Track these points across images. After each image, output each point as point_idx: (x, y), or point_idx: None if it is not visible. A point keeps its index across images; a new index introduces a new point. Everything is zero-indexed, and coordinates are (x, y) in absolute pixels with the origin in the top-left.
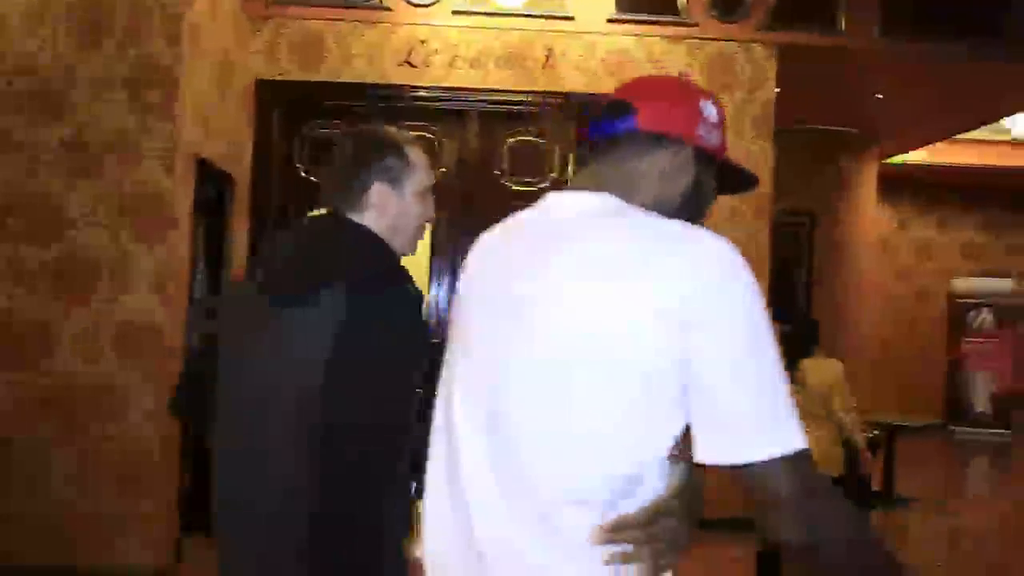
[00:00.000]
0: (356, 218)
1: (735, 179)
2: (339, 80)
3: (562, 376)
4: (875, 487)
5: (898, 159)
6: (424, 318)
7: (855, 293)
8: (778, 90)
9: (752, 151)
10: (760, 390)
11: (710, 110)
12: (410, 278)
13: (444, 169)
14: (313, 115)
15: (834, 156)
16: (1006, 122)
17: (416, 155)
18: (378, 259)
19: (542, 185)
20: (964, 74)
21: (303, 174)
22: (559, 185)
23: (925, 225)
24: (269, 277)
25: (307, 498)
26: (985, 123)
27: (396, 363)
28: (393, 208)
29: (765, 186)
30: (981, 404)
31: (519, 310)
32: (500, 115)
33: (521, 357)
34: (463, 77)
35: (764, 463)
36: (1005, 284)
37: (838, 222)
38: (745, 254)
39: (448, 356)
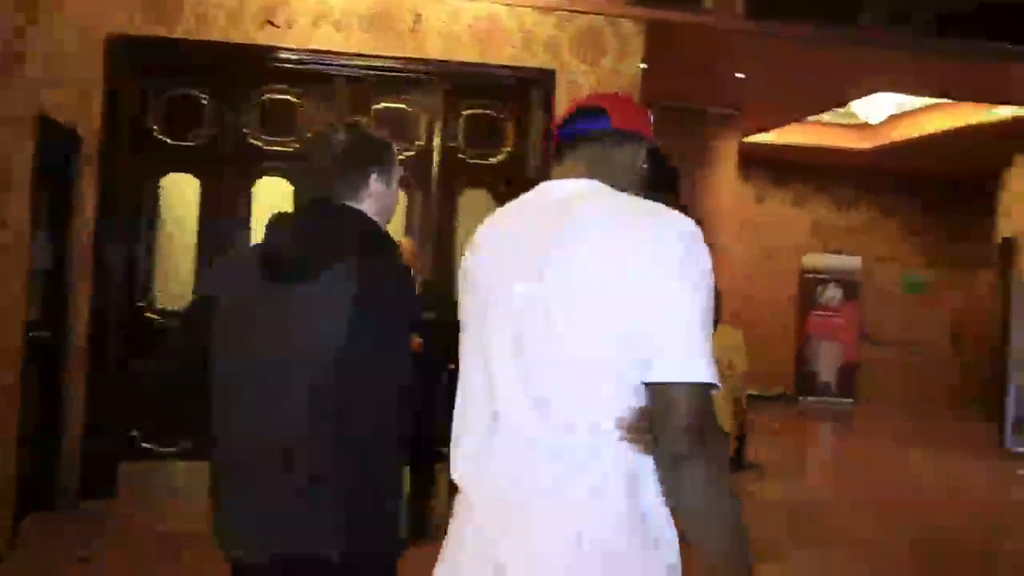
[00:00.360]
0: (355, 205)
1: (658, 172)
2: (197, 38)
3: (568, 310)
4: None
5: (755, 138)
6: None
7: (715, 268)
8: (644, 66)
9: None
10: (689, 329)
11: (650, 117)
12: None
13: (310, 135)
14: (169, 74)
15: (697, 133)
16: (854, 107)
17: (395, 151)
18: (380, 239)
19: (409, 153)
20: (821, 57)
21: (156, 135)
22: (426, 155)
23: (780, 202)
24: (281, 255)
25: (331, 432)
26: (839, 105)
27: (400, 321)
28: (384, 197)
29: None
30: (827, 375)
31: (535, 265)
32: (367, 80)
33: (537, 295)
34: (327, 39)
35: (678, 384)
36: (853, 261)
37: (700, 198)
38: None
39: (471, 306)
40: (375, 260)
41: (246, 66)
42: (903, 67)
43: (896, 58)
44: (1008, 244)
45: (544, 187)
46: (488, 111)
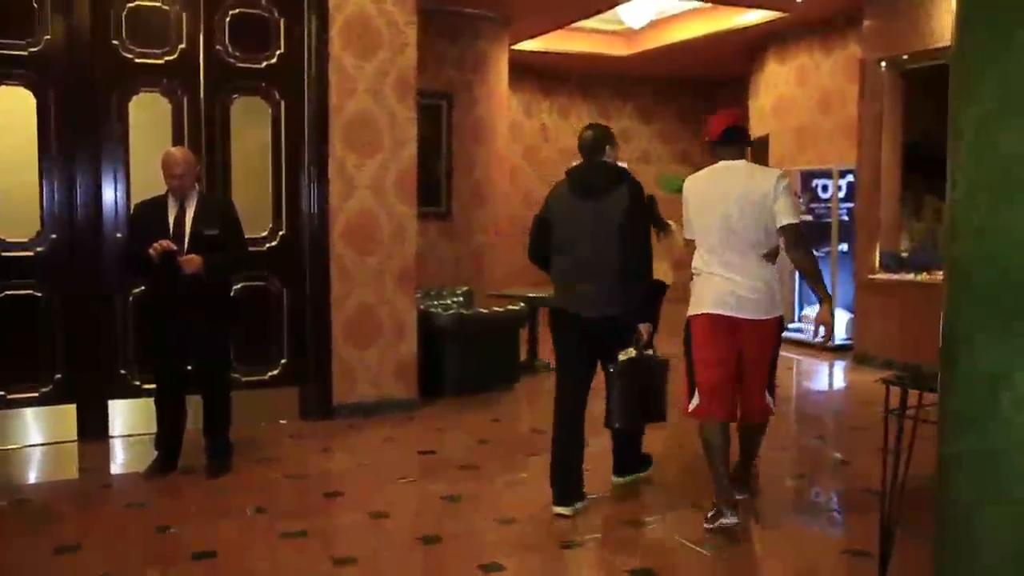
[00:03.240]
0: (602, 159)
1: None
2: None
3: (747, 210)
4: (522, 358)
5: (523, 46)
6: None
7: (494, 174)
8: None
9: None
10: (786, 208)
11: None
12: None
13: (49, 37)
14: None
15: (467, 39)
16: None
17: (612, 134)
18: (627, 174)
19: (169, 58)
20: None
21: None
22: (190, 59)
23: (548, 112)
24: (582, 186)
25: (620, 264)
26: (610, 7)
27: (644, 212)
28: (612, 155)
29: (410, 64)
30: None
31: (724, 200)
32: None
33: (721, 212)
34: None
35: (787, 226)
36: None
37: (475, 104)
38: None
39: (691, 212)
40: (630, 185)
41: None
42: None
43: None
44: (761, 145)
45: (725, 164)
46: (255, 10)
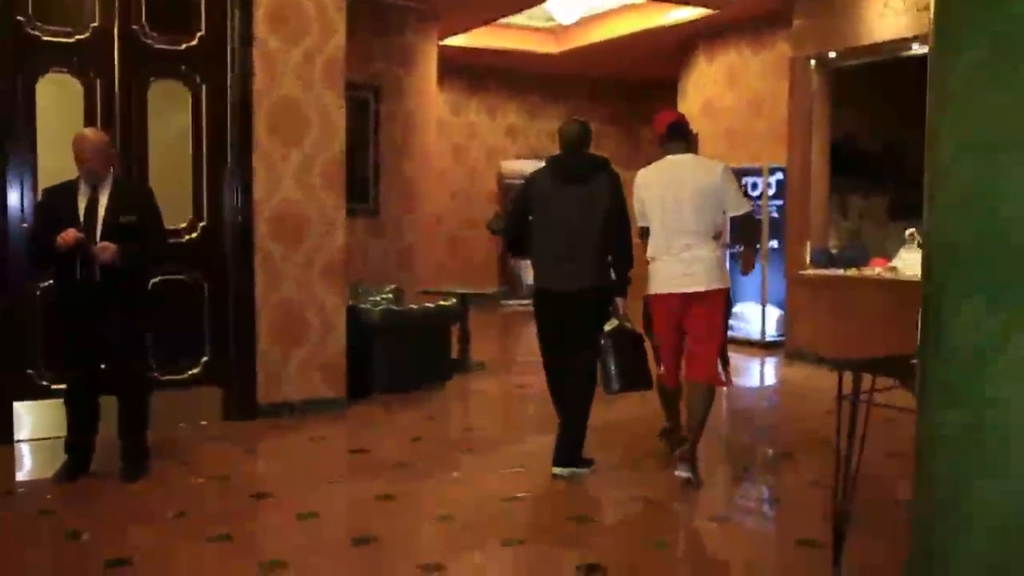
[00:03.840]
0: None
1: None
2: None
3: (697, 199)
4: (453, 355)
5: (451, 41)
6: None
7: (423, 170)
8: None
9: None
10: (737, 196)
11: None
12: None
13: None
14: None
15: (397, 30)
16: (549, 7)
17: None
18: (607, 163)
19: (81, 36)
20: None
21: None
22: (104, 38)
23: (476, 111)
24: (565, 172)
25: (598, 244)
26: (529, 6)
27: (622, 199)
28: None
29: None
30: (530, 277)
31: (676, 189)
32: None
33: (674, 200)
34: None
35: (740, 215)
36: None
37: (404, 98)
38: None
39: (646, 203)
40: (610, 173)
41: None
42: None
43: None
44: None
45: (672, 158)
46: None
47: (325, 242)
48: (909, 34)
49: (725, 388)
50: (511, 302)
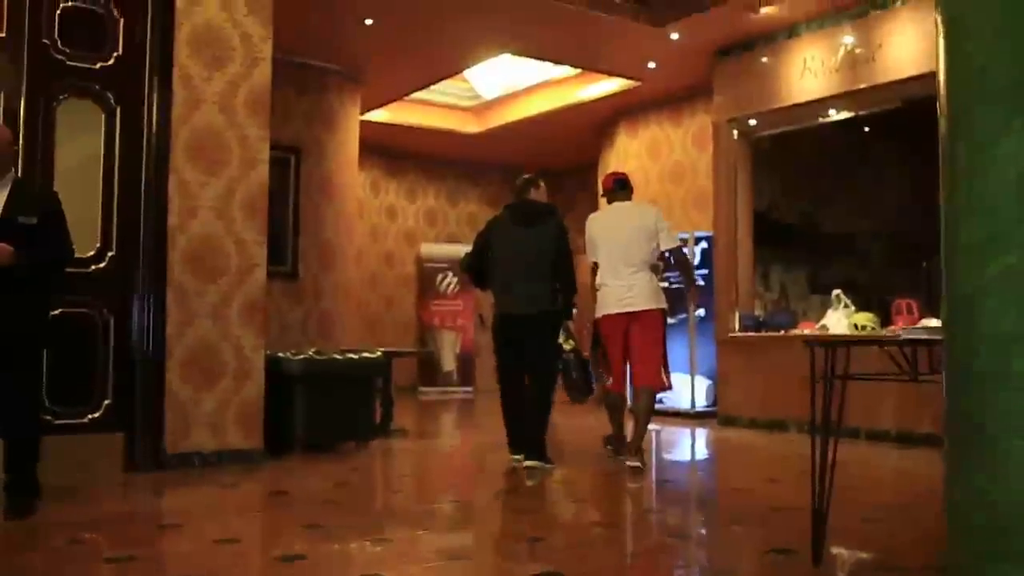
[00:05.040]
0: (532, 199)
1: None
2: None
3: (638, 236)
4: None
5: (371, 116)
6: None
7: (343, 234)
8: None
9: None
10: (669, 233)
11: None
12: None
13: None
14: None
15: (318, 92)
16: (472, 79)
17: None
18: (554, 209)
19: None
20: (440, 15)
21: None
22: (12, 49)
23: (396, 194)
24: (521, 216)
25: (548, 275)
26: (453, 73)
27: (567, 241)
28: (540, 195)
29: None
30: (448, 363)
31: (620, 229)
32: None
33: (618, 238)
34: None
35: (672, 249)
36: (466, 250)
37: (324, 160)
38: (246, 192)
39: (596, 241)
40: (557, 218)
41: None
42: (518, 29)
43: (510, 20)
44: None
45: (618, 205)
46: (91, 6)
47: (245, 278)
48: (828, 94)
49: (667, 391)
50: (428, 389)
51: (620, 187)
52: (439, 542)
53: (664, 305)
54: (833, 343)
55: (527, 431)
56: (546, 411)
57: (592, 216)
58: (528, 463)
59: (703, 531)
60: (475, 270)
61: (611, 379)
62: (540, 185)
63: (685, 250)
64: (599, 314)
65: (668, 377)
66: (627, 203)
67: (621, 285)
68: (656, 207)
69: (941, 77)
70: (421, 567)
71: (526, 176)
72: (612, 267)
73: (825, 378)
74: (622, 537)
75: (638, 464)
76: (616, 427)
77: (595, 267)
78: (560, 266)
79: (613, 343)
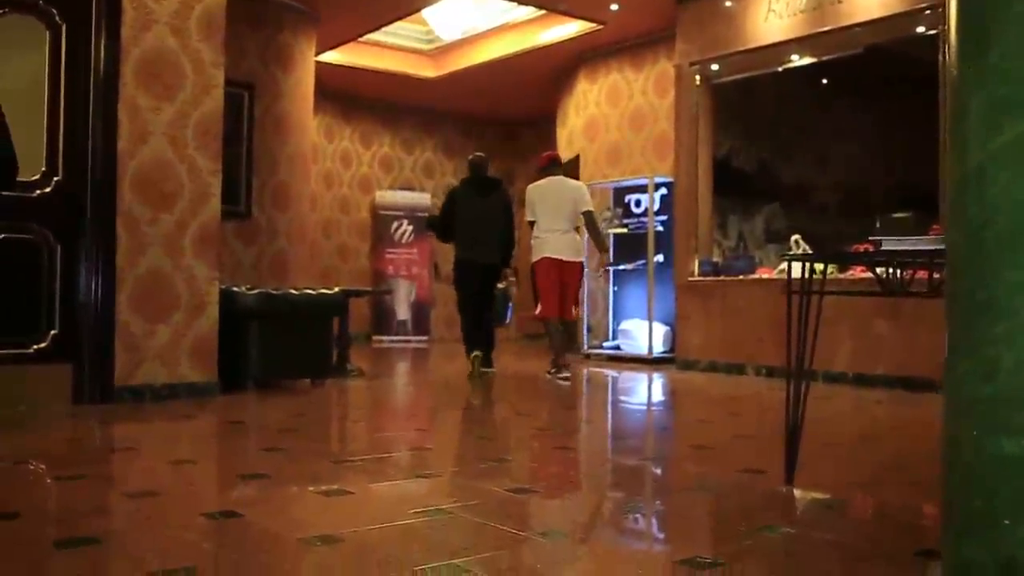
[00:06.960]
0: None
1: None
2: None
3: (565, 203)
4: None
5: (327, 57)
6: None
7: (298, 174)
8: None
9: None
10: (588, 201)
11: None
12: None
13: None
14: None
15: (273, 28)
16: (431, 21)
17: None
18: (501, 183)
19: None
20: None
21: None
22: None
23: (350, 140)
24: (479, 187)
25: (501, 235)
26: (412, 12)
27: (512, 212)
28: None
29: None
30: (403, 312)
31: (553, 196)
32: None
33: (552, 203)
34: None
35: (588, 212)
36: (423, 198)
37: (279, 98)
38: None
39: (535, 205)
40: (504, 189)
41: None
42: None
43: None
44: (571, 164)
45: (554, 177)
46: None
47: (199, 208)
48: (792, 36)
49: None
50: (382, 338)
51: (554, 164)
52: (403, 461)
53: (582, 259)
54: (811, 257)
55: (481, 335)
56: (493, 329)
57: (532, 185)
58: (483, 369)
59: (670, 454)
60: (441, 228)
61: (539, 308)
62: (489, 162)
63: (597, 219)
64: (536, 258)
65: (577, 310)
66: (558, 177)
67: (554, 238)
68: (582, 183)
69: None
70: (388, 484)
71: (481, 155)
72: (547, 225)
73: (801, 292)
74: (591, 460)
75: (567, 375)
76: (555, 351)
77: (531, 224)
78: (506, 226)
79: (546, 278)
